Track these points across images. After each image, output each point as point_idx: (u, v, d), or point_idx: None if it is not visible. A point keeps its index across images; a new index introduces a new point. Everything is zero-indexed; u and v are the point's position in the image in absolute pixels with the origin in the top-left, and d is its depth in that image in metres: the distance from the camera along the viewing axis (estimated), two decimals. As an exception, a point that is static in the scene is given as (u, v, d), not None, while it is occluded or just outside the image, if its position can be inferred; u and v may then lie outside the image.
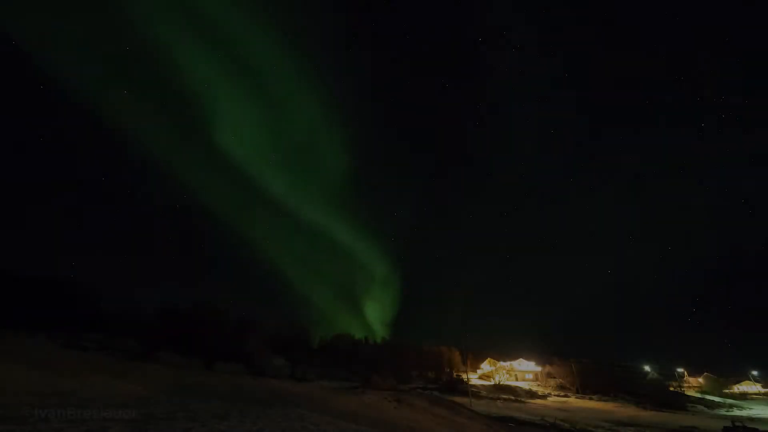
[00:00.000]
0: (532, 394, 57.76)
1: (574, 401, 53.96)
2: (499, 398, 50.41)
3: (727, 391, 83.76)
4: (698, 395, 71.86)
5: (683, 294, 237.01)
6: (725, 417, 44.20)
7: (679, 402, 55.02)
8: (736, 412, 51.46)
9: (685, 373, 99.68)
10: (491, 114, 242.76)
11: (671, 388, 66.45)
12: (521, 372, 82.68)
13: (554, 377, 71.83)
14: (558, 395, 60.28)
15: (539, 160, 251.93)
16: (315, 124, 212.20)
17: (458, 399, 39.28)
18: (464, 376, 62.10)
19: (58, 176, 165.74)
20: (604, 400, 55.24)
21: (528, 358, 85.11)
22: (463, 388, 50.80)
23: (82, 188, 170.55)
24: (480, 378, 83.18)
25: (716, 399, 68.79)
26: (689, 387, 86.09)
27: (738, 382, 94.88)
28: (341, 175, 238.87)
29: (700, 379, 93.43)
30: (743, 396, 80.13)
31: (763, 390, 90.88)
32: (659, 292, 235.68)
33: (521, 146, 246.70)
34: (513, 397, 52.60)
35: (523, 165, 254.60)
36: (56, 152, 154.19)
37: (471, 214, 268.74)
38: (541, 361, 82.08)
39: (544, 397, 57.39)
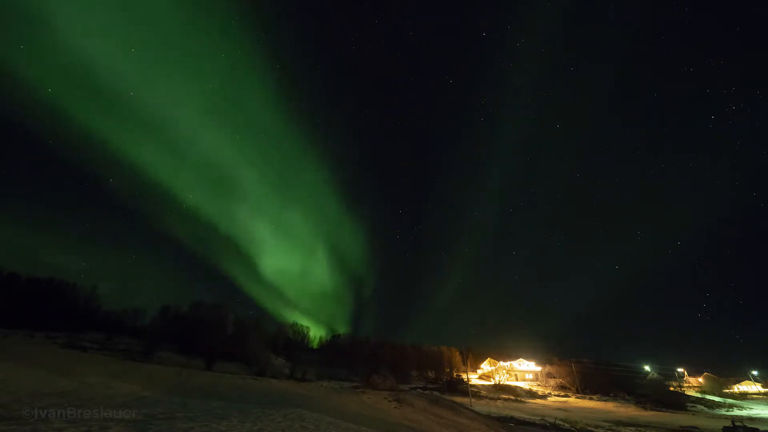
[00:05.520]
0: (532, 394, 57.78)
1: (574, 401, 53.97)
2: (499, 398, 50.43)
3: (727, 390, 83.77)
4: (698, 395, 71.85)
5: (689, 292, 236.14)
6: (725, 417, 44.22)
7: (679, 402, 54.99)
8: (736, 412, 51.46)
9: (685, 373, 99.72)
10: (492, 109, 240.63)
11: (671, 388, 66.34)
12: (521, 372, 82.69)
13: (554, 377, 71.82)
14: (558, 395, 60.28)
15: (543, 156, 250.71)
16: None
17: (458, 399, 39.32)
18: (464, 376, 62.12)
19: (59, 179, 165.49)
20: (604, 400, 55.24)
21: (528, 358, 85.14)
22: (463, 388, 50.83)
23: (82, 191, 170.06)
24: (480, 378, 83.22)
25: (716, 399, 68.78)
26: (689, 387, 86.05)
27: (738, 382, 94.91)
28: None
29: (700, 379, 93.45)
30: (743, 396, 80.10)
31: (763, 390, 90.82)
32: (663, 290, 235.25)
33: (524, 141, 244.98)
34: (513, 397, 52.62)
35: (527, 161, 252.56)
36: (57, 154, 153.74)
37: (475, 212, 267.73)
38: (541, 361, 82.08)
39: (544, 397, 57.40)
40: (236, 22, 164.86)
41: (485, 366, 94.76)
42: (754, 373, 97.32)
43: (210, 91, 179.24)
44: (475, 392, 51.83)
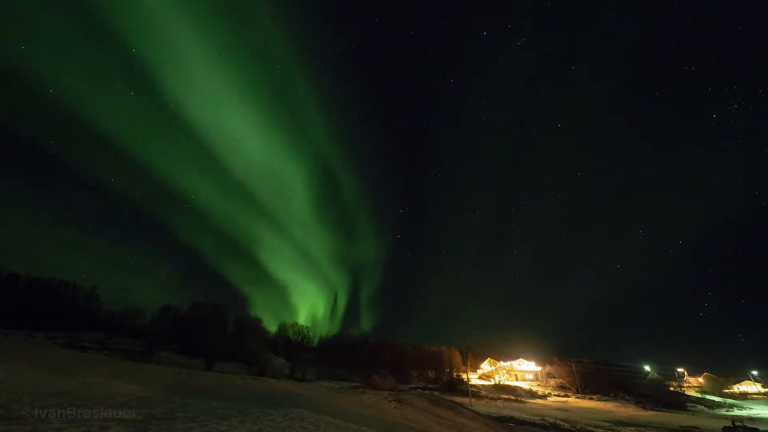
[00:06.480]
0: (532, 394, 57.78)
1: (574, 401, 53.96)
2: (499, 398, 50.42)
3: (727, 390, 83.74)
4: (698, 395, 71.82)
5: (689, 291, 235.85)
6: (725, 417, 44.20)
7: (679, 402, 54.97)
8: (736, 412, 51.45)
9: (685, 373, 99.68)
10: (493, 108, 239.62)
11: (671, 388, 66.33)
12: (521, 372, 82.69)
13: (554, 377, 71.83)
14: (558, 395, 60.27)
15: (544, 155, 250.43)
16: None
17: (458, 399, 39.31)
18: (464, 376, 62.11)
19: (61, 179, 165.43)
20: (604, 400, 55.23)
21: (528, 358, 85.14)
22: (463, 388, 50.84)
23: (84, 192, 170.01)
24: (480, 378, 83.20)
25: (716, 399, 68.75)
26: (689, 387, 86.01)
27: (738, 382, 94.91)
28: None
29: (700, 379, 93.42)
30: (743, 396, 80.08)
31: (763, 390, 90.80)
32: (663, 290, 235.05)
33: (525, 141, 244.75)
34: (513, 397, 52.62)
35: (528, 160, 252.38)
36: (55, 153, 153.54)
37: (476, 211, 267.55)
38: (541, 361, 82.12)
39: (544, 397, 57.40)
40: (235, 22, 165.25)
41: (485, 366, 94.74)
42: (754, 373, 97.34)
43: (212, 91, 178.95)
44: (475, 392, 51.84)
